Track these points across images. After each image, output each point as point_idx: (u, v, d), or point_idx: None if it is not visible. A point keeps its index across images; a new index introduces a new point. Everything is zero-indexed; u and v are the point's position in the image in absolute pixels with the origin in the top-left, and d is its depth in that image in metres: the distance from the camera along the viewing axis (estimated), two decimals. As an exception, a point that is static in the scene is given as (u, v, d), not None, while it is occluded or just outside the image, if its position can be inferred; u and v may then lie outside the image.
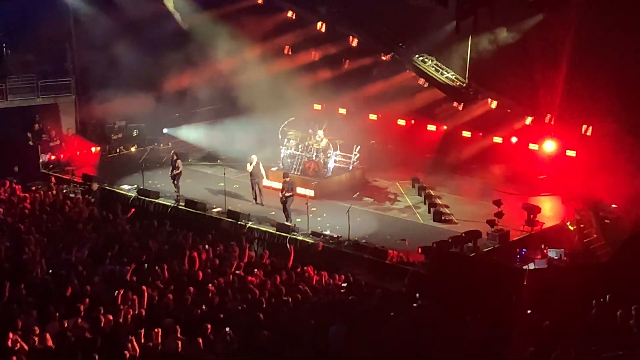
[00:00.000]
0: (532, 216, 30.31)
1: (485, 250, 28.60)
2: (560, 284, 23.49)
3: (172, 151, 35.47)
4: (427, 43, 37.14)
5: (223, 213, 31.97)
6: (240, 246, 27.92)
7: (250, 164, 33.18)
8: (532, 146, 35.18)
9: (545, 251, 28.34)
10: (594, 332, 19.59)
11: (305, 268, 26.01)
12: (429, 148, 38.82)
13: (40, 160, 37.62)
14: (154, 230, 28.90)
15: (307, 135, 35.73)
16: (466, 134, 37.16)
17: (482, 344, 19.23)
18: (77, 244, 26.01)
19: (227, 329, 19.64)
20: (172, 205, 33.06)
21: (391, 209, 33.80)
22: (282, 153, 36.09)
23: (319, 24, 39.72)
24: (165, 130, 41.92)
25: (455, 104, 36.32)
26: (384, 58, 38.36)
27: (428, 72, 36.69)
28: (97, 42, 39.59)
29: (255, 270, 25.01)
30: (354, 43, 39.28)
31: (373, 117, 40.01)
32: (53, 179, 35.31)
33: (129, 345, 18.16)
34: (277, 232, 30.18)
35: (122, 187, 35.21)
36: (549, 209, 32.66)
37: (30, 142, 38.83)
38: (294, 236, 29.76)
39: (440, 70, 36.58)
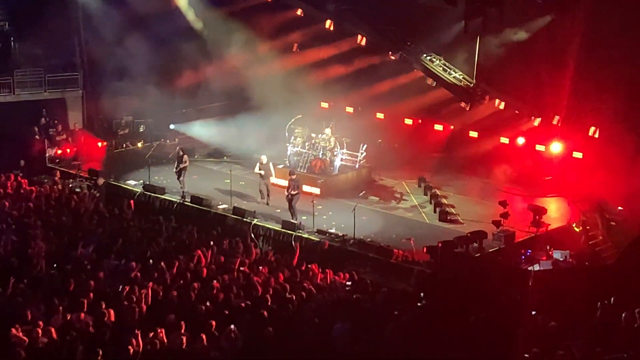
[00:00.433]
0: (537, 217, 30.25)
1: (490, 250, 28.55)
2: (565, 285, 23.49)
3: (178, 147, 35.46)
4: (435, 43, 37.11)
5: (229, 210, 31.96)
6: (245, 243, 27.96)
7: (260, 165, 32.99)
8: (539, 147, 35.12)
9: (550, 252, 28.28)
10: (599, 334, 19.58)
11: (310, 266, 26.03)
12: (435, 148, 38.77)
13: (47, 155, 37.64)
14: (159, 226, 28.93)
15: (314, 133, 35.70)
16: (473, 134, 37.09)
17: (486, 344, 19.21)
18: (83, 239, 26.04)
19: (232, 326, 19.66)
20: (178, 201, 33.06)
21: (397, 208, 33.77)
22: (289, 151, 36.05)
23: (328, 22, 39.68)
24: (172, 126, 41.87)
25: (462, 104, 36.25)
26: (392, 57, 38.30)
27: (436, 72, 36.65)
28: (105, 36, 39.50)
29: (260, 267, 25.02)
30: (362, 42, 39.22)
31: (380, 115, 39.97)
32: (59, 174, 35.30)
33: (133, 340, 18.18)
34: (283, 230, 30.15)
35: (128, 182, 35.23)
36: (555, 210, 32.60)
37: (37, 136, 38.82)
38: (300, 234, 29.75)
39: (448, 70, 36.53)
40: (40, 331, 18.68)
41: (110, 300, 21.05)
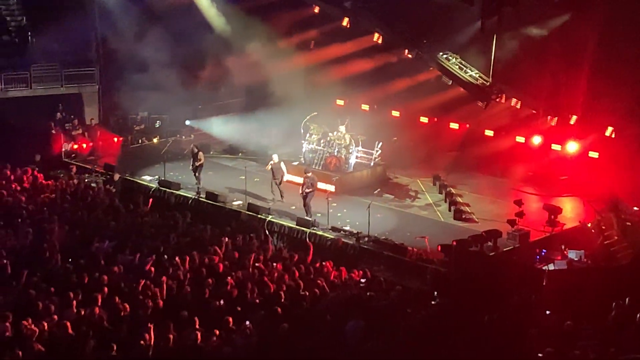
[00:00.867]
0: (553, 217, 30.17)
1: (505, 249, 28.50)
2: (580, 285, 23.42)
3: (193, 143, 35.52)
4: (451, 41, 36.98)
5: (243, 206, 32.00)
6: (260, 240, 28.01)
7: (272, 163, 32.97)
8: (555, 147, 35.03)
9: (565, 252, 28.21)
10: (613, 334, 19.52)
11: (324, 263, 26.06)
12: (451, 146, 38.67)
13: (63, 150, 37.74)
14: (174, 221, 29.00)
15: (329, 131, 35.72)
16: (488, 132, 37.00)
17: (500, 343, 19.19)
18: (98, 234, 26.13)
19: (247, 322, 19.68)
20: (193, 197, 33.12)
21: (412, 206, 33.75)
22: (304, 148, 36.07)
23: (344, 19, 39.66)
24: (187, 122, 41.96)
25: (478, 102, 36.17)
26: (408, 55, 38.25)
27: (452, 70, 36.55)
28: (122, 31, 39.68)
29: (274, 264, 25.04)
30: (379, 39, 39.18)
31: (395, 113, 39.95)
32: (74, 168, 35.45)
33: (146, 335, 18.23)
34: (297, 227, 30.18)
35: (144, 177, 35.31)
36: (570, 210, 32.52)
37: (53, 131, 38.93)
38: (314, 231, 29.76)
39: (464, 68, 36.45)
40: (53, 324, 18.77)
41: (124, 295, 21.11)
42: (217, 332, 19.03)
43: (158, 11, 39.98)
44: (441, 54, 36.87)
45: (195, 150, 34.30)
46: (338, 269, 25.70)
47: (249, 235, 28.19)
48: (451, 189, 34.60)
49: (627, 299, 21.03)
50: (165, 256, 24.49)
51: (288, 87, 38.73)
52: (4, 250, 23.81)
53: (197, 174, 34.10)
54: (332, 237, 29.23)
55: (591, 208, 32.06)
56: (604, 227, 30.18)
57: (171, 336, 18.65)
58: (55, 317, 19.15)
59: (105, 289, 21.19)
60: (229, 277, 22.87)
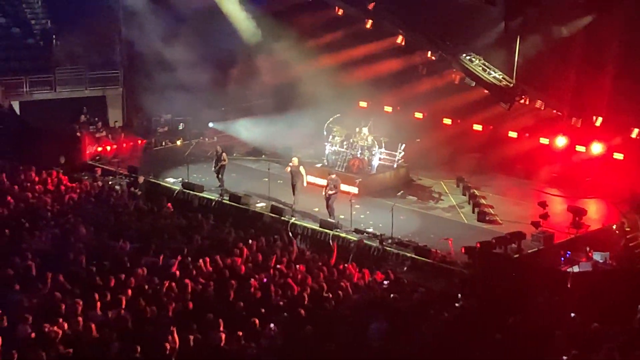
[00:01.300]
0: (577, 218, 30.02)
1: (529, 251, 28.36)
2: (605, 287, 23.33)
3: (217, 145, 35.57)
4: (474, 42, 36.88)
5: (266, 208, 32.02)
6: (283, 242, 28.03)
7: (292, 166, 32.73)
8: (579, 148, 34.90)
9: (590, 254, 28.01)
10: (639, 336, 19.43)
11: (347, 265, 26.06)
12: (474, 147, 38.57)
13: (87, 152, 37.85)
14: (197, 223, 29.06)
15: (352, 133, 35.71)
16: (512, 134, 36.93)
17: (524, 345, 19.13)
18: (122, 235, 26.22)
19: (272, 325, 19.70)
20: (216, 199, 33.17)
21: (435, 208, 33.68)
22: (327, 150, 36.07)
23: (367, 21, 39.64)
24: (210, 124, 42.04)
25: (501, 104, 36.06)
26: (431, 57, 38.21)
27: (475, 72, 36.44)
28: (146, 34, 39.81)
29: (298, 266, 25.06)
30: (402, 41, 39.14)
31: (419, 115, 39.90)
32: (99, 171, 35.59)
33: (170, 337, 18.28)
34: (320, 229, 30.16)
35: (167, 180, 35.40)
36: (595, 212, 32.36)
37: (78, 134, 39.12)
38: (337, 233, 29.74)
39: (488, 69, 36.32)
40: (78, 326, 18.85)
41: (148, 296, 21.17)
42: (241, 334, 19.06)
43: (182, 14, 40.10)
44: (464, 55, 36.75)
45: (220, 151, 34.37)
46: (361, 270, 25.70)
47: (273, 237, 28.23)
48: (475, 190, 34.51)
49: (652, 301, 20.97)
50: (189, 258, 24.54)
51: (310, 90, 38.74)
52: (29, 252, 23.92)
53: (219, 176, 34.16)
54: (356, 239, 29.20)
55: (616, 210, 31.92)
56: (628, 229, 30.06)
57: (195, 337, 18.69)
58: (80, 318, 19.22)
59: (130, 290, 21.27)
60: (253, 279, 22.91)
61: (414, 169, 36.86)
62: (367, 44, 40.12)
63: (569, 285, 23.87)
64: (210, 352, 18.59)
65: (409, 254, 28.01)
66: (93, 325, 18.80)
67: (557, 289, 23.32)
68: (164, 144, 41.27)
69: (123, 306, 20.25)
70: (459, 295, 24.20)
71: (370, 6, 39.12)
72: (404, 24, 38.92)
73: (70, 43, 41.61)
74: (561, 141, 35.34)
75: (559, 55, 34.80)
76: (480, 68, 36.39)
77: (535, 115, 36.33)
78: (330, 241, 29.22)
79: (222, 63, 40.98)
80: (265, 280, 23.21)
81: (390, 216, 29.21)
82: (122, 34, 42.12)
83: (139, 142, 40.10)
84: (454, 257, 27.48)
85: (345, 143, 35.70)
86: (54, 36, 43.08)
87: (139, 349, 17.94)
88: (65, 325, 18.80)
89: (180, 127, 42.35)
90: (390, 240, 28.90)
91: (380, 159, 35.73)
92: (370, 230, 29.87)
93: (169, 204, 31.55)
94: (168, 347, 18.08)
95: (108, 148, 38.60)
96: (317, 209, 31.92)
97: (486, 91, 36.55)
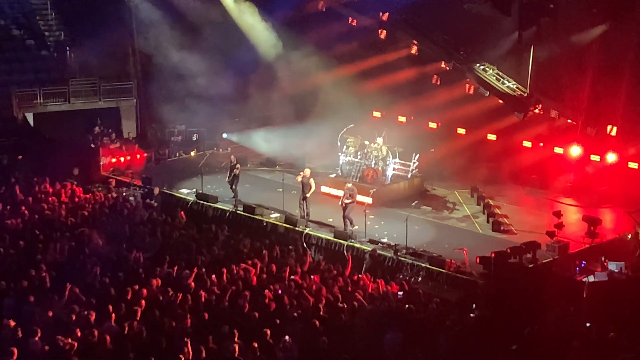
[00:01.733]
0: (592, 228, 29.95)
1: (544, 261, 28.27)
2: (621, 297, 23.24)
3: (232, 156, 35.58)
4: (488, 52, 36.89)
5: (281, 219, 32.00)
6: (298, 252, 28.01)
7: (302, 176, 32.48)
8: (594, 157, 34.79)
9: (605, 264, 27.91)
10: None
11: (361, 275, 26.00)
12: (488, 157, 38.47)
13: (101, 163, 37.90)
14: (212, 234, 29.07)
15: (366, 143, 35.67)
16: (526, 144, 36.84)
17: (541, 355, 19.06)
18: (136, 247, 26.24)
19: (287, 337, 19.66)
20: (231, 210, 33.18)
21: (449, 218, 33.61)
22: (341, 160, 36.04)
23: (381, 32, 39.64)
24: (224, 135, 42.10)
25: (516, 113, 36.00)
26: (445, 67, 38.18)
27: (489, 81, 36.43)
28: (160, 45, 39.91)
29: (312, 276, 25.02)
30: (415, 51, 39.13)
31: (433, 125, 39.84)
32: (113, 182, 35.63)
33: (185, 348, 18.26)
34: (335, 239, 30.13)
35: (181, 191, 35.43)
36: (610, 221, 32.26)
37: (92, 145, 39.19)
38: (352, 243, 29.69)
39: (502, 79, 36.30)
40: (93, 338, 18.85)
41: (163, 308, 21.17)
42: (256, 345, 19.03)
43: (195, 25, 40.19)
44: (478, 65, 36.78)
45: (234, 160, 34.39)
46: (376, 281, 25.65)
47: (287, 247, 28.21)
48: (489, 200, 34.43)
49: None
50: (204, 269, 24.54)
51: (326, 100, 38.75)
52: (43, 264, 23.96)
53: (233, 187, 34.16)
54: (370, 249, 29.15)
55: (631, 219, 31.80)
56: (644, 239, 29.94)
57: (210, 348, 18.67)
58: (95, 330, 19.22)
59: (144, 302, 21.27)
60: (267, 290, 22.89)
61: (428, 179, 36.80)
62: (381, 54, 40.16)
63: (584, 295, 23.78)
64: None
65: (423, 264, 27.97)
66: (108, 337, 18.80)
67: (572, 298, 23.25)
68: (177, 154, 41.32)
69: (138, 318, 20.25)
70: (474, 305, 24.14)
71: (385, 17, 39.16)
72: (418, 34, 38.93)
73: (84, 55, 41.78)
74: (576, 150, 35.23)
75: (573, 65, 34.74)
76: (494, 78, 36.39)
77: (549, 124, 36.27)
78: (345, 252, 29.19)
79: (236, 74, 40.98)
80: (280, 291, 23.19)
81: (405, 226, 29.17)
82: (135, 45, 42.23)
83: (152, 154, 40.12)
84: (468, 267, 27.43)
85: (359, 153, 35.67)
86: (67, 48, 43.24)
87: (153, 360, 17.96)
88: (84, 338, 18.81)
89: (194, 138, 42.40)
90: (404, 251, 28.84)
91: (394, 169, 35.68)
92: (385, 240, 29.81)
93: (182, 213, 31.56)
94: (182, 358, 18.06)
95: (122, 159, 38.66)
96: (331, 219, 31.88)
97: (500, 101, 36.55)
